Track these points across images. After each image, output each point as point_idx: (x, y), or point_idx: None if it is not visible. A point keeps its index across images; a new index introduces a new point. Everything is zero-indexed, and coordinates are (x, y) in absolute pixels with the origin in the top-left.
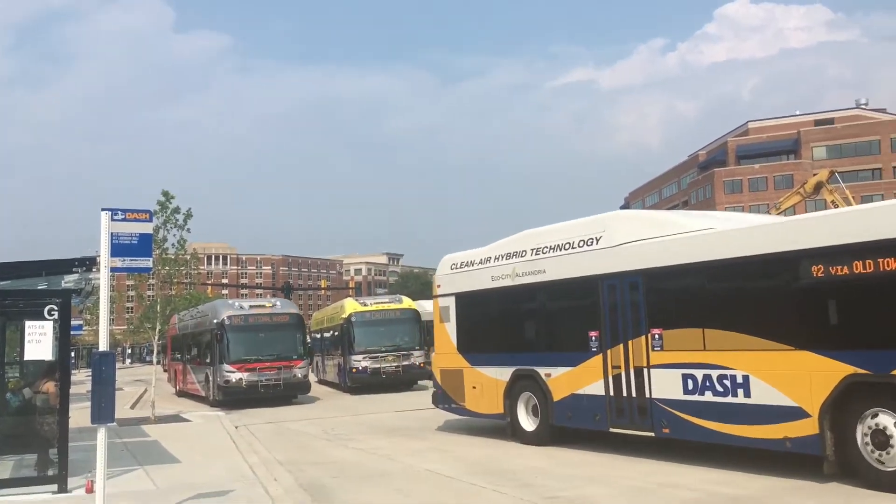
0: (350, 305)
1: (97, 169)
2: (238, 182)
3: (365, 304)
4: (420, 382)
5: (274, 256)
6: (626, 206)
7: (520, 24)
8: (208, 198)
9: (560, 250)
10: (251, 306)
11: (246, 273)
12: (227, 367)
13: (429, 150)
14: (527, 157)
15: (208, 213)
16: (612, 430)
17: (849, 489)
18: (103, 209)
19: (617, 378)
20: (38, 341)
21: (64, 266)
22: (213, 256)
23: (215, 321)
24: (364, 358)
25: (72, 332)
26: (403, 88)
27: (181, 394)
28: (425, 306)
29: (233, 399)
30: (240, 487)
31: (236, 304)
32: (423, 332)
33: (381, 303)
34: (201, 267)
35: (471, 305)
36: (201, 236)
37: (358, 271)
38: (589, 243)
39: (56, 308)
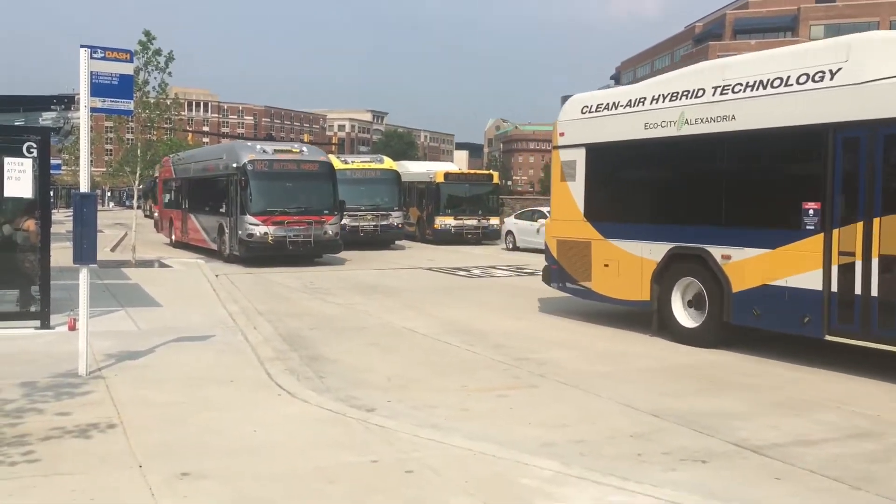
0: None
1: (72, 4)
2: (220, 25)
3: (346, 163)
4: (397, 242)
5: (256, 106)
6: (616, 77)
7: None
8: (190, 41)
9: (764, 88)
10: (276, 150)
11: (227, 122)
12: (250, 218)
13: (413, 6)
14: (518, 18)
15: (190, 58)
16: (827, 337)
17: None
18: (82, 46)
19: (847, 269)
20: (18, 178)
21: (42, 103)
22: (195, 103)
23: (234, 165)
24: (343, 216)
25: (51, 172)
26: None
27: (179, 244)
28: (407, 167)
29: (255, 255)
30: (220, 333)
31: (258, 146)
32: (403, 194)
33: (363, 161)
34: (182, 113)
35: (609, 160)
36: (182, 81)
37: (341, 127)
38: (817, 78)
39: (35, 145)
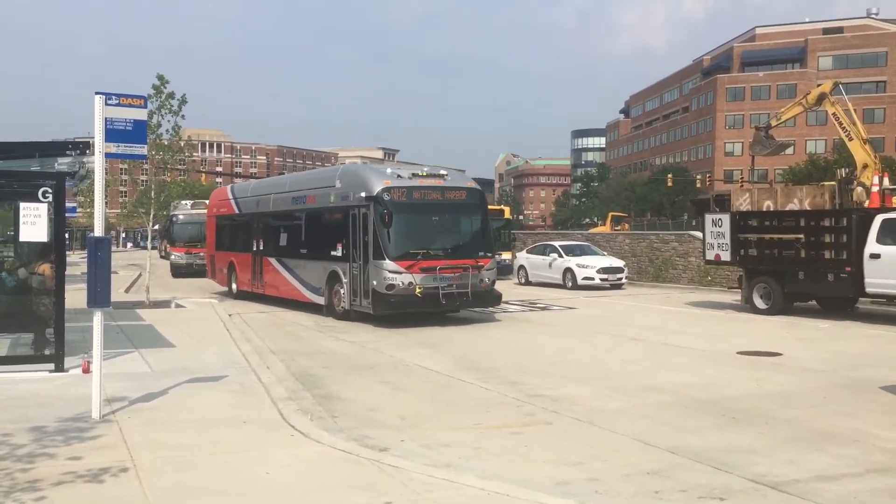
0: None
1: (89, 44)
2: (233, 67)
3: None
4: None
5: (269, 146)
6: (626, 110)
7: None
8: (202, 83)
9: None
10: (413, 175)
11: (240, 162)
12: (389, 264)
13: (427, 43)
14: (527, 54)
15: (202, 99)
16: None
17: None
18: (97, 93)
19: None
20: (33, 223)
21: (58, 148)
22: (207, 144)
23: (361, 194)
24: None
25: (66, 215)
26: None
27: (245, 295)
28: None
29: (395, 312)
30: (233, 373)
31: (388, 170)
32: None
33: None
34: (195, 154)
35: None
36: (195, 122)
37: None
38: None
39: (50, 190)
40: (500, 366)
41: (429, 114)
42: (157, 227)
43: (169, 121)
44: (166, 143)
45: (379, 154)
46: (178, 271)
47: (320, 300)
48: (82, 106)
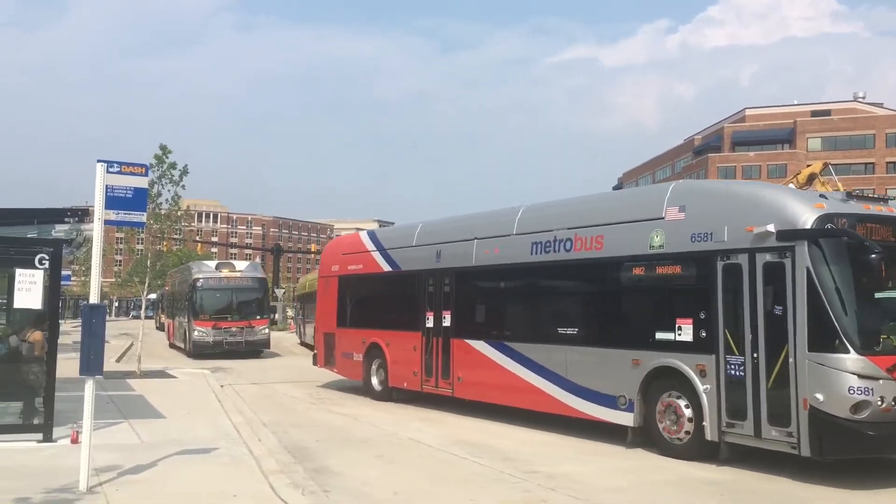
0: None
1: (82, 118)
2: (229, 140)
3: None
4: None
5: (265, 217)
6: (619, 187)
7: None
8: (198, 154)
9: None
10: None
11: (236, 232)
12: (855, 361)
13: (421, 118)
14: (520, 130)
15: (199, 170)
16: None
17: None
18: (99, 160)
19: None
20: (28, 290)
21: (56, 215)
22: (204, 214)
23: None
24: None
25: (61, 282)
26: (397, 54)
27: (172, 346)
28: None
29: (201, 353)
30: (224, 445)
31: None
32: None
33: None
34: (192, 224)
35: None
36: (192, 193)
37: None
38: None
39: (47, 257)
40: (495, 443)
41: (425, 186)
42: (151, 296)
43: (169, 190)
44: (164, 212)
45: (374, 226)
46: (202, 350)
47: (621, 417)
48: (77, 176)
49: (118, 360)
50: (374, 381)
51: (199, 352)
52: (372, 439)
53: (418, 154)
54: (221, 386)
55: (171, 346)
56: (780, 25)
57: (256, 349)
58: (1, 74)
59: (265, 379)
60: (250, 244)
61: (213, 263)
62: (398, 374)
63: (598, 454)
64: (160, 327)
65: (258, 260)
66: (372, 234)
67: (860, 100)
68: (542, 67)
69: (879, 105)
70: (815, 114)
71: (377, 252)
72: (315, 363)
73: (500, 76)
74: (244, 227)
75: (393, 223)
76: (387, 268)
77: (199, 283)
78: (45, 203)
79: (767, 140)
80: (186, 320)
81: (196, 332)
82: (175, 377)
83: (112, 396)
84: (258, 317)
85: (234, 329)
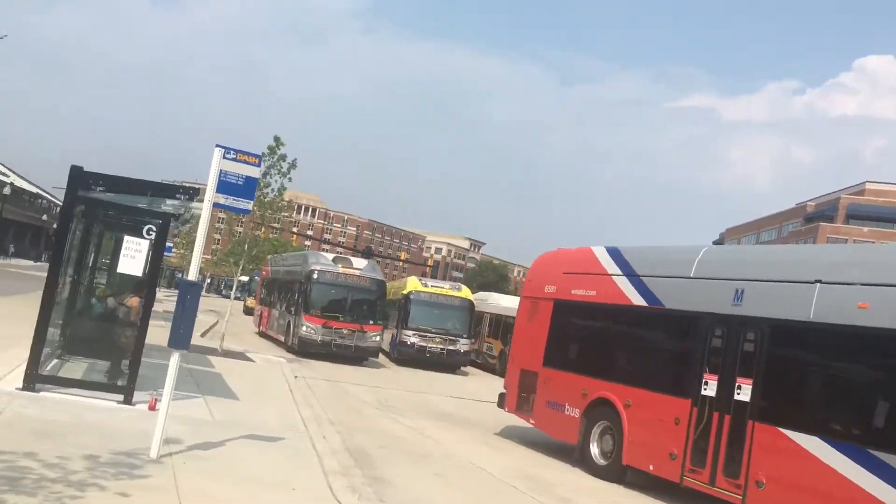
0: (411, 283)
1: (207, 98)
2: (338, 138)
3: (425, 286)
4: (462, 368)
5: (361, 218)
6: (720, 242)
7: (648, 41)
8: (306, 147)
9: None
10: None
11: (331, 229)
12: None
13: (530, 147)
14: (629, 171)
15: (305, 163)
16: None
17: None
18: (217, 146)
19: None
20: (133, 257)
21: (168, 191)
22: (303, 207)
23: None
24: (414, 334)
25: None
26: (517, 79)
27: (263, 335)
28: (497, 300)
29: (306, 350)
30: (290, 437)
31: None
32: (490, 326)
33: (440, 287)
34: (292, 215)
35: None
36: (295, 185)
37: (438, 250)
38: None
39: (154, 229)
40: (557, 480)
41: (518, 213)
42: (243, 278)
43: (276, 181)
44: (268, 200)
45: (465, 243)
46: (308, 348)
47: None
48: (191, 153)
49: (203, 335)
50: (595, 449)
51: (304, 349)
52: (433, 456)
53: (522, 181)
54: (295, 377)
55: (262, 334)
56: None
57: (365, 356)
58: (142, 49)
59: (336, 377)
60: (342, 243)
61: (330, 256)
62: (641, 450)
63: None
64: (247, 311)
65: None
66: (615, 253)
67: None
68: (661, 111)
69: None
70: None
71: (623, 277)
72: (501, 405)
73: (616, 116)
74: (339, 226)
75: (484, 244)
76: (638, 301)
77: (315, 276)
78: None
79: (885, 217)
80: (293, 312)
81: (304, 328)
82: (254, 361)
83: (192, 370)
84: (371, 321)
85: (345, 331)
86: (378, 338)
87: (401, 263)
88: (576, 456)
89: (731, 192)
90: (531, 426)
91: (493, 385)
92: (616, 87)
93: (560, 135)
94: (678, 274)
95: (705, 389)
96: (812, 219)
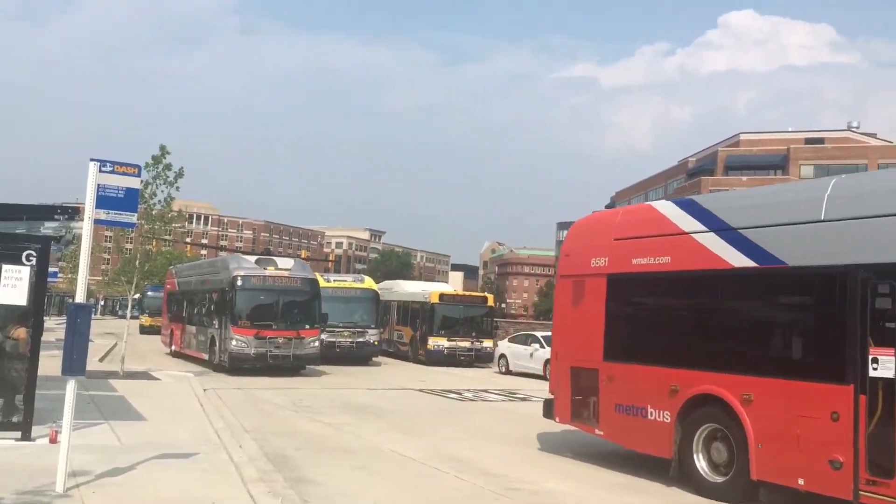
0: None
1: (83, 112)
2: (225, 142)
3: (328, 281)
4: (374, 359)
5: (256, 221)
6: (611, 205)
7: (527, 13)
8: (194, 154)
9: None
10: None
11: (227, 235)
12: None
13: (422, 131)
14: (519, 146)
15: (193, 171)
16: None
17: None
18: (92, 159)
19: None
20: (14, 286)
21: (45, 212)
22: (195, 215)
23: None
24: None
25: (48, 279)
26: (403, 65)
27: (177, 355)
28: (402, 286)
29: (239, 366)
30: (204, 451)
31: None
32: (398, 313)
33: (343, 280)
34: (184, 226)
35: None
36: (184, 194)
37: (339, 244)
38: None
39: (35, 254)
40: (478, 458)
41: (416, 198)
42: (137, 296)
43: (163, 191)
44: (156, 213)
45: (365, 235)
46: (241, 364)
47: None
48: (68, 171)
49: (101, 360)
50: (702, 463)
51: (236, 365)
52: (353, 450)
53: (414, 165)
54: (204, 390)
55: (178, 354)
56: (778, 53)
57: (303, 364)
58: (7, 69)
59: (247, 385)
60: (240, 248)
61: (252, 258)
62: (780, 459)
63: None
64: (143, 330)
65: None
66: (690, 205)
67: (854, 129)
68: (546, 83)
69: (873, 135)
70: (808, 141)
71: (710, 234)
72: (550, 415)
73: (504, 91)
74: (235, 231)
75: (384, 232)
76: (742, 262)
77: (239, 282)
78: (36, 198)
79: (760, 165)
80: (217, 325)
81: (234, 342)
82: (158, 379)
83: (93, 396)
84: (307, 326)
85: (280, 339)
86: (316, 343)
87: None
88: (672, 474)
89: (617, 156)
90: (599, 437)
91: (407, 372)
92: (503, 64)
93: (454, 115)
94: (800, 219)
95: (875, 369)
96: (694, 174)
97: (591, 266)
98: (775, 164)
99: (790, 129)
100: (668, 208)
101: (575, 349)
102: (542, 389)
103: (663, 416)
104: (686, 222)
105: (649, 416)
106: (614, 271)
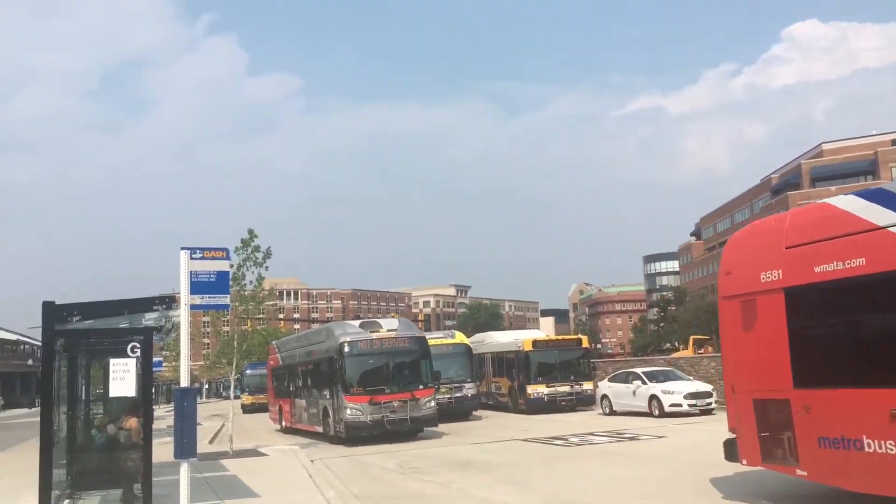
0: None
1: (174, 207)
2: (304, 217)
3: None
4: (474, 413)
5: (343, 291)
6: (696, 233)
7: (583, 54)
8: (277, 233)
9: None
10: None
11: (317, 307)
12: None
13: (492, 181)
14: (594, 184)
15: (279, 250)
16: None
17: None
18: (182, 248)
19: None
20: (122, 378)
21: (145, 305)
22: (285, 292)
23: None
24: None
25: (153, 369)
26: (465, 120)
27: (288, 430)
28: (494, 337)
29: (357, 435)
30: None
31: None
32: (492, 365)
33: (434, 338)
34: (275, 303)
35: None
36: (272, 272)
37: (426, 303)
38: None
39: (138, 345)
40: None
41: (497, 248)
42: (237, 376)
43: (253, 272)
44: (248, 293)
45: (451, 291)
46: (358, 432)
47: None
48: (162, 268)
49: (210, 442)
50: None
51: (353, 434)
52: None
53: (494, 216)
54: (312, 461)
55: (289, 430)
56: (849, 58)
57: (421, 427)
58: (89, 176)
59: (350, 451)
60: (331, 318)
61: (356, 323)
62: None
63: None
64: (245, 409)
65: None
66: (882, 194)
67: None
68: (610, 120)
69: None
70: (895, 142)
71: None
72: (734, 457)
73: (569, 133)
74: (324, 302)
75: (469, 287)
76: None
77: (346, 348)
78: (139, 293)
79: (848, 173)
80: (328, 396)
81: (348, 410)
82: (266, 455)
83: (206, 478)
84: (421, 386)
85: (395, 403)
86: (432, 403)
87: None
88: None
89: (694, 182)
90: (801, 478)
91: (509, 422)
92: (564, 108)
93: (521, 164)
94: None
95: None
96: (779, 190)
97: (762, 281)
98: (863, 169)
99: (874, 133)
100: (851, 203)
101: (754, 378)
102: (649, 427)
103: (887, 447)
104: (879, 215)
105: (867, 449)
106: (793, 284)
